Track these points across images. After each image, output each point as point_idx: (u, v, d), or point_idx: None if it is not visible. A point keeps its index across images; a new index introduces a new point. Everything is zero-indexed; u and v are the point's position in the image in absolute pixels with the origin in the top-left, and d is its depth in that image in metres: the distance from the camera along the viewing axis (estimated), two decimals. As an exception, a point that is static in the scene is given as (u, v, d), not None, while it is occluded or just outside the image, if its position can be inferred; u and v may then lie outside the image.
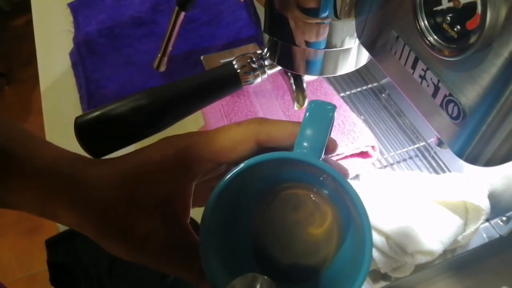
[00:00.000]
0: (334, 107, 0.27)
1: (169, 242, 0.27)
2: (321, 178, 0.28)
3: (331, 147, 0.28)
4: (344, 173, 0.29)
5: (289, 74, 0.41)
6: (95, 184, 0.26)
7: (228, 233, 0.28)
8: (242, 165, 0.25)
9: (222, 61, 0.67)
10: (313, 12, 0.32)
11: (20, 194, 0.27)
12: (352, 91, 0.63)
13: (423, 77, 0.24)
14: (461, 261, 0.47)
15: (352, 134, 0.53)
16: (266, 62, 0.40)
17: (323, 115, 0.26)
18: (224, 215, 0.27)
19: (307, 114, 0.27)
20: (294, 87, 0.41)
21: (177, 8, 0.51)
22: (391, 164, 0.55)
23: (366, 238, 0.24)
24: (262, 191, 0.29)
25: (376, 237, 0.43)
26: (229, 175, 0.25)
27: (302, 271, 0.29)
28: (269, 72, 0.40)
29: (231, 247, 0.28)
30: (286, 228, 0.29)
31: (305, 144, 0.26)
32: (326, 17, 0.32)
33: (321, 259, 0.29)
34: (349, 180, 0.26)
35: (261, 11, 0.36)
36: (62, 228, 0.50)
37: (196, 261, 0.26)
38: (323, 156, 0.26)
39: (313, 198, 0.29)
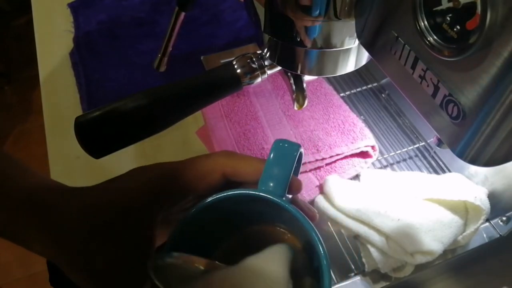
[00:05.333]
0: (298, 147, 0.28)
1: (126, 276, 0.26)
2: (285, 217, 0.28)
3: (295, 186, 0.28)
4: (311, 214, 0.29)
5: (289, 74, 0.41)
6: (64, 214, 0.26)
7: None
8: (202, 202, 0.26)
9: (222, 61, 0.67)
10: (313, 12, 0.32)
11: None
12: (352, 91, 0.63)
13: (423, 77, 0.24)
14: (461, 261, 0.47)
15: (352, 134, 0.53)
16: (266, 62, 0.40)
17: (287, 154, 0.27)
18: (187, 250, 0.27)
19: (272, 152, 0.27)
20: (294, 87, 0.41)
21: (177, 8, 0.51)
22: (391, 164, 0.55)
23: (325, 282, 0.24)
24: (226, 228, 0.29)
25: (376, 237, 0.43)
26: (191, 212, 0.26)
27: None
28: (269, 72, 0.40)
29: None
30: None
31: (269, 181, 0.27)
32: (326, 17, 0.32)
33: None
34: (312, 223, 0.26)
35: (261, 11, 0.36)
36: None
37: None
38: (287, 195, 0.27)
39: (278, 236, 0.29)
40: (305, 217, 0.26)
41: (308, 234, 0.25)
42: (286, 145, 0.28)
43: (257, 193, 0.26)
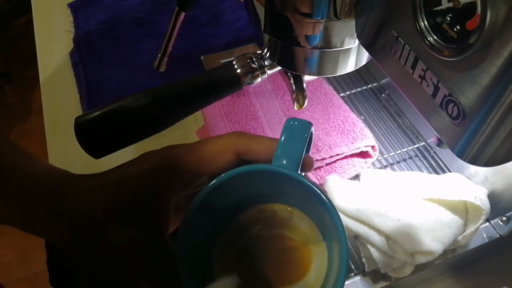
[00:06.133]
0: (310, 125, 0.28)
1: (145, 255, 0.26)
2: (298, 193, 0.28)
3: (307, 163, 0.29)
4: (321, 189, 0.30)
5: (289, 74, 0.41)
6: (75, 197, 0.26)
7: (206, 245, 0.28)
8: (219, 177, 0.26)
9: (222, 61, 0.67)
10: (313, 12, 0.32)
11: (4, 204, 0.27)
12: (352, 91, 0.63)
13: (423, 77, 0.24)
14: (461, 261, 0.47)
15: (352, 134, 0.53)
16: (266, 62, 0.40)
17: (300, 131, 0.28)
18: (202, 228, 0.27)
19: (284, 130, 0.28)
20: (294, 87, 0.41)
21: (177, 8, 0.51)
22: (391, 164, 0.55)
23: (343, 252, 0.25)
24: (240, 205, 0.30)
25: (376, 237, 0.43)
26: (206, 188, 0.26)
27: (279, 285, 0.29)
28: (269, 72, 0.40)
29: (208, 259, 0.29)
30: (262, 241, 0.29)
31: (282, 158, 0.27)
32: (326, 17, 0.32)
33: (298, 274, 0.29)
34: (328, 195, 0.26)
35: (261, 11, 0.36)
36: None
37: (173, 275, 0.25)
38: (300, 172, 0.27)
39: (290, 213, 0.30)
40: (320, 189, 0.26)
41: (323, 206, 0.25)
42: (297, 123, 0.28)
43: (273, 167, 0.27)
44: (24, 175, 0.27)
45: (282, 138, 0.28)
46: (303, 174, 0.29)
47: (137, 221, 0.26)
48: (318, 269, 0.28)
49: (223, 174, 0.27)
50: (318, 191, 0.26)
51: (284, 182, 0.27)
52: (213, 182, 0.26)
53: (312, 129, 0.28)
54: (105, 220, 0.26)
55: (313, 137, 0.30)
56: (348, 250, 0.25)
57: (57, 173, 0.28)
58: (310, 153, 0.51)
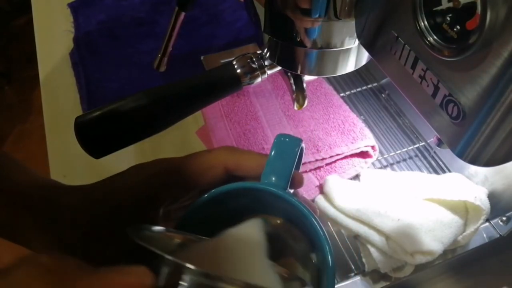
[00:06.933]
0: (300, 141, 0.28)
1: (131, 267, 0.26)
2: (287, 212, 0.28)
3: (297, 180, 0.29)
4: (312, 208, 0.30)
5: (289, 74, 0.41)
6: (63, 207, 0.27)
7: None
8: (209, 193, 0.26)
9: (222, 61, 0.67)
10: (313, 12, 0.32)
11: None
12: (352, 91, 0.63)
13: (423, 77, 0.24)
14: (461, 261, 0.47)
15: (352, 134, 0.53)
16: (266, 62, 0.40)
17: (289, 148, 0.27)
18: None
19: (274, 147, 0.27)
20: (294, 87, 0.41)
21: (177, 8, 0.51)
22: (391, 164, 0.55)
23: (329, 272, 0.24)
24: (229, 220, 0.29)
25: (376, 237, 0.43)
26: (194, 204, 0.26)
27: None
28: (269, 72, 0.40)
29: None
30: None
31: (271, 175, 0.27)
32: (326, 17, 0.32)
33: None
34: (315, 216, 0.26)
35: (261, 11, 0.36)
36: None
37: None
38: (289, 190, 0.27)
39: (278, 229, 0.29)
40: (308, 208, 0.26)
41: (311, 226, 0.25)
42: (287, 139, 0.28)
43: (261, 185, 0.26)
44: (14, 185, 0.27)
45: (272, 155, 0.27)
46: (292, 191, 0.28)
47: (123, 234, 0.26)
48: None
49: (212, 190, 0.26)
50: (305, 210, 0.25)
51: (273, 200, 0.27)
52: (201, 198, 0.26)
53: (303, 145, 0.28)
54: (89, 232, 0.26)
55: (303, 153, 0.29)
56: (334, 273, 0.24)
57: (47, 184, 0.29)
58: (309, 153, 0.51)
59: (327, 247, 0.25)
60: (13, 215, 0.27)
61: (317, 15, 0.32)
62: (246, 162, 0.28)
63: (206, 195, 0.26)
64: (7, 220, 0.27)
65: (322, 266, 0.26)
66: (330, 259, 0.24)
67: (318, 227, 0.25)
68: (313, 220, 0.25)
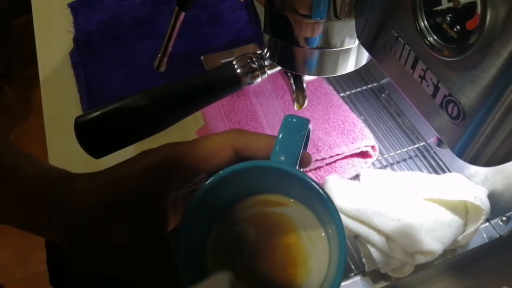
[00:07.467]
0: (308, 121, 0.28)
1: (145, 253, 0.26)
2: (297, 189, 0.28)
3: (305, 159, 0.29)
4: (320, 185, 0.30)
5: (289, 74, 0.41)
6: (75, 196, 0.27)
7: (206, 242, 0.28)
8: (217, 174, 0.26)
9: (222, 61, 0.67)
10: (313, 12, 0.32)
11: (3, 204, 0.27)
12: (352, 91, 0.63)
13: (423, 77, 0.24)
14: (461, 261, 0.47)
15: (352, 134, 0.53)
16: (266, 62, 0.40)
17: (298, 128, 0.28)
18: (201, 225, 0.27)
19: (282, 127, 0.28)
20: (294, 87, 0.41)
21: (177, 8, 0.51)
22: (391, 164, 0.55)
23: (341, 249, 0.25)
24: (239, 202, 0.30)
25: (376, 237, 0.43)
26: (205, 186, 0.26)
27: (278, 282, 0.28)
28: (269, 72, 0.40)
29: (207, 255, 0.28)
30: (261, 238, 0.29)
31: (280, 154, 0.27)
32: (326, 17, 0.32)
33: (296, 272, 0.28)
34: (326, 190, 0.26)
35: (261, 11, 0.36)
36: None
37: (173, 273, 0.25)
38: (298, 168, 0.27)
39: (288, 201, 0.30)
40: (319, 184, 0.26)
41: (322, 202, 0.26)
42: (295, 120, 0.28)
43: (272, 163, 0.27)
44: (23, 175, 0.27)
45: (280, 135, 0.28)
46: (302, 170, 0.29)
47: (136, 220, 0.26)
48: (318, 262, 0.28)
49: (221, 171, 0.27)
50: (317, 186, 0.26)
51: (283, 178, 0.27)
52: (212, 179, 0.26)
53: (310, 126, 0.29)
54: (104, 218, 0.26)
55: (310, 134, 0.30)
56: (346, 246, 0.25)
57: (56, 173, 0.28)
58: (309, 153, 0.51)
59: (338, 221, 0.25)
60: (23, 204, 0.27)
61: (317, 15, 0.32)
62: (255, 143, 0.28)
63: (215, 176, 0.26)
64: (17, 210, 0.27)
65: (333, 241, 0.26)
66: (341, 233, 0.25)
67: (329, 202, 0.25)
68: (324, 195, 0.26)
